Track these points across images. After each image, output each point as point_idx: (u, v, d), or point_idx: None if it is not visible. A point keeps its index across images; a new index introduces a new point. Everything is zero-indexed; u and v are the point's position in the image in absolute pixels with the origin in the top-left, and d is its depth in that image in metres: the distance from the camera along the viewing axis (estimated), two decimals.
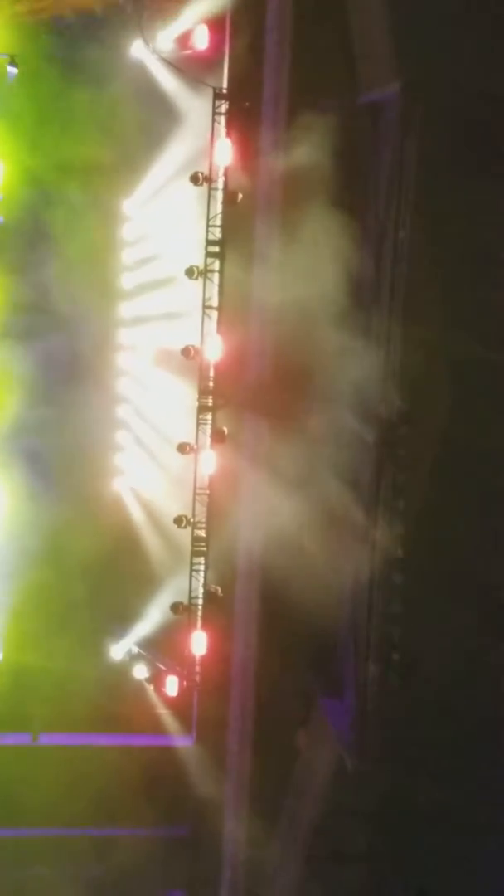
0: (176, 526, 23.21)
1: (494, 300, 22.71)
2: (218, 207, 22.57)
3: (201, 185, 22.49)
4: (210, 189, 22.51)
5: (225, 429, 22.87)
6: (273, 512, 22.86)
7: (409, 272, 22.31)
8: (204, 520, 23.17)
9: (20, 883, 23.38)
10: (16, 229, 24.24)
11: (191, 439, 22.95)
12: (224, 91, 22.51)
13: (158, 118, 24.05)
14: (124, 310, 25.98)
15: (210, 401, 22.92)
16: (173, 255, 24.13)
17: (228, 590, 23.58)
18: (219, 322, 22.72)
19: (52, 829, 23.71)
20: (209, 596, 23.30)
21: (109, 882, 23.68)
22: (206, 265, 22.62)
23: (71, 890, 23.51)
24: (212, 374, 22.91)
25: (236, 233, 22.89)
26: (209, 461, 22.89)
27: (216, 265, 22.64)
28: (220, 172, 22.47)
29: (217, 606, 23.37)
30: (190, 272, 22.65)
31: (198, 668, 23.36)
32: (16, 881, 23.38)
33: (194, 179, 22.47)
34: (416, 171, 21.72)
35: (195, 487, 23.08)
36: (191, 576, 23.31)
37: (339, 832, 23.36)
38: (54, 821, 23.54)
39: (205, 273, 22.65)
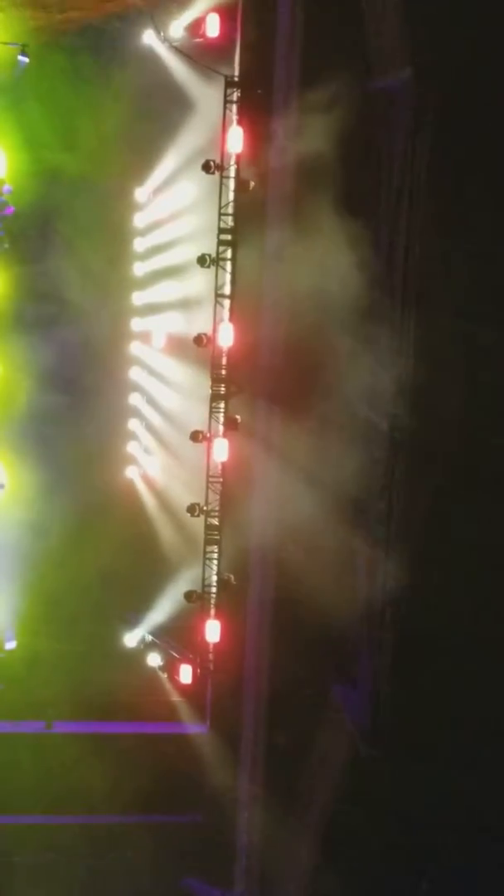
0: (189, 514, 23.27)
1: None
2: (230, 196, 22.59)
3: (213, 173, 22.51)
4: (222, 177, 22.52)
5: (238, 417, 22.87)
6: (286, 500, 22.87)
7: (422, 260, 22.23)
8: (217, 508, 23.20)
9: (35, 870, 23.43)
10: (28, 219, 24.27)
11: (203, 427, 22.99)
12: (236, 79, 22.49)
13: (170, 106, 24.04)
14: (137, 298, 26.03)
15: (223, 389, 22.95)
16: (185, 243, 24.15)
17: (242, 578, 23.61)
18: (231, 310, 22.73)
19: (67, 816, 23.79)
20: (222, 584, 23.36)
21: (124, 870, 23.74)
22: (218, 253, 22.63)
23: (85, 877, 23.58)
24: (224, 362, 22.94)
25: (248, 221, 22.87)
26: (222, 449, 22.92)
27: (228, 253, 22.66)
28: (232, 160, 22.47)
29: (230, 594, 23.42)
30: (202, 260, 22.68)
31: (211, 656, 23.43)
32: (30, 868, 23.44)
33: (206, 168, 22.48)
34: (429, 158, 21.63)
35: (208, 475, 23.11)
36: (204, 564, 23.36)
37: (353, 819, 23.36)
38: (69, 809, 23.62)
39: (217, 261, 22.66)
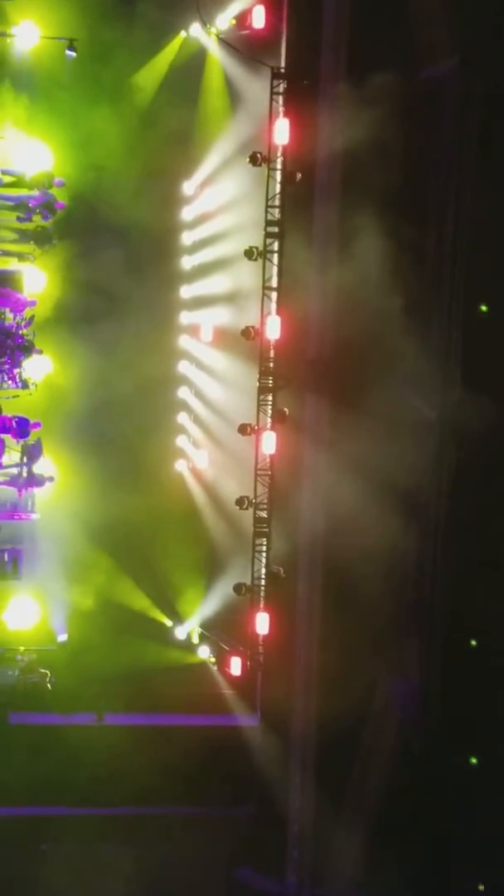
0: (238, 507, 23.28)
1: None
2: (277, 188, 22.53)
3: (260, 165, 22.46)
4: (269, 169, 22.46)
5: (286, 409, 22.83)
6: (334, 492, 22.82)
7: (471, 249, 22.08)
8: (266, 501, 23.19)
9: (88, 860, 23.62)
10: (77, 214, 24.38)
11: (252, 420, 22.98)
12: (282, 70, 22.43)
13: (216, 99, 24.04)
14: (185, 292, 26.08)
15: (271, 381, 22.92)
16: (233, 236, 24.15)
17: (291, 570, 23.59)
18: (278, 303, 22.69)
19: (119, 808, 23.92)
20: (272, 576, 23.35)
21: (177, 861, 23.86)
22: (265, 246, 22.59)
23: (138, 868, 23.73)
24: (272, 354, 22.90)
25: (295, 213, 22.82)
26: (270, 442, 22.89)
27: (275, 245, 22.60)
28: (279, 152, 22.41)
29: (280, 587, 23.41)
30: (249, 253, 22.64)
31: (261, 648, 23.44)
32: (84, 858, 23.63)
33: (253, 160, 22.46)
34: (476, 146, 21.48)
35: (256, 468, 23.11)
36: (253, 557, 23.36)
37: (404, 811, 23.33)
38: (121, 800, 23.74)
39: (264, 254, 22.62)
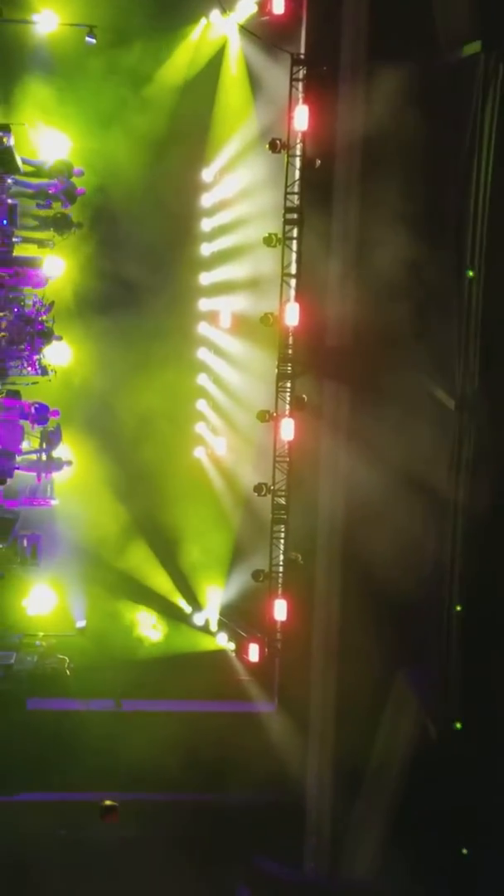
0: (256, 494, 23.28)
1: None
2: (296, 174, 22.48)
3: (279, 152, 22.43)
4: (288, 156, 22.42)
5: (305, 396, 22.83)
6: (353, 479, 22.81)
7: (491, 236, 21.98)
8: (284, 487, 23.19)
9: (108, 846, 23.66)
10: (97, 201, 24.41)
11: (270, 407, 22.98)
12: (301, 56, 22.36)
13: (236, 85, 24.01)
14: (203, 279, 26.09)
15: (289, 368, 22.91)
16: (252, 223, 24.14)
17: (309, 557, 23.59)
18: (297, 289, 22.66)
19: (136, 794, 23.92)
20: (290, 564, 23.35)
21: (193, 849, 23.89)
22: (284, 232, 22.54)
23: (156, 855, 23.76)
24: (291, 341, 22.89)
25: (315, 199, 22.78)
26: (289, 429, 22.87)
27: (294, 232, 22.56)
28: (298, 139, 22.37)
29: (298, 573, 23.41)
30: (268, 240, 22.61)
31: (279, 635, 23.47)
32: (104, 844, 23.67)
33: (272, 146, 22.42)
34: (497, 131, 21.36)
35: (275, 455, 23.11)
36: (271, 543, 23.38)
37: (423, 800, 23.30)
38: (137, 787, 23.75)
39: (283, 241, 22.57)
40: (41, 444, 23.85)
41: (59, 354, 23.59)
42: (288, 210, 22.53)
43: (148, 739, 23.59)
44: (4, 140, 22.59)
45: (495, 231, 22.29)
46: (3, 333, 23.19)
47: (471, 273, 22.19)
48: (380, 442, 22.31)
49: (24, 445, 23.86)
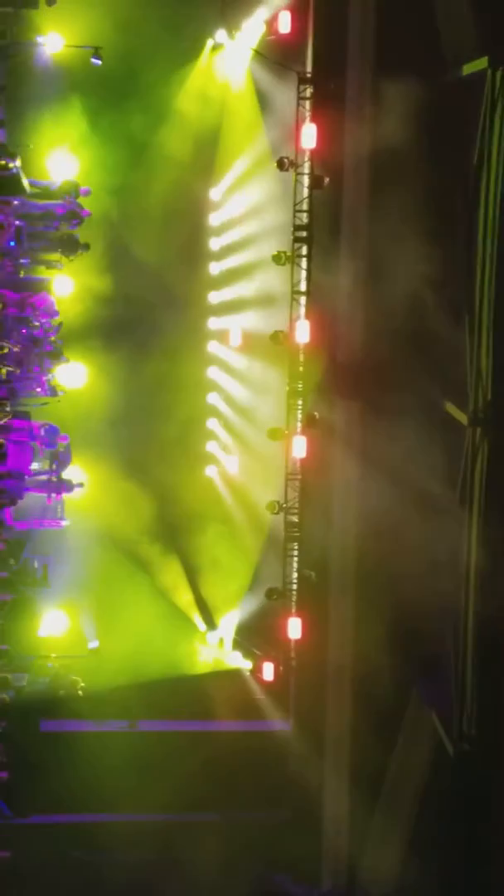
0: (269, 512, 23.25)
1: None
2: (304, 192, 22.56)
3: (287, 170, 22.50)
4: (296, 174, 22.50)
5: (316, 413, 22.83)
6: (366, 495, 22.75)
7: (502, 249, 21.98)
8: (297, 505, 23.16)
9: (124, 867, 23.56)
10: (104, 222, 24.46)
11: (282, 425, 22.94)
12: (308, 75, 22.47)
13: (243, 104, 24.09)
14: (213, 297, 26.11)
15: (300, 385, 22.91)
16: (261, 241, 24.18)
17: (323, 574, 23.53)
18: (307, 307, 22.68)
19: (155, 814, 23.88)
20: (304, 581, 23.29)
21: (212, 866, 23.76)
22: (293, 250, 22.60)
23: (175, 873, 23.65)
24: (301, 358, 22.89)
25: (323, 217, 22.83)
26: (301, 446, 22.87)
27: (304, 250, 22.61)
28: (306, 157, 22.43)
29: (312, 591, 23.36)
30: (278, 258, 22.69)
31: (294, 653, 23.41)
32: (120, 865, 23.57)
33: (280, 165, 22.50)
34: None
35: (287, 473, 23.07)
36: (285, 561, 23.34)
37: (440, 816, 23.18)
38: (156, 806, 23.69)
39: (293, 258, 22.65)
40: (51, 466, 23.83)
41: (74, 377, 23.61)
42: (297, 228, 22.59)
43: (163, 760, 23.54)
44: (10, 166, 22.67)
45: None
46: (15, 346, 23.14)
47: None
48: (392, 458, 22.25)
49: (35, 466, 23.83)
